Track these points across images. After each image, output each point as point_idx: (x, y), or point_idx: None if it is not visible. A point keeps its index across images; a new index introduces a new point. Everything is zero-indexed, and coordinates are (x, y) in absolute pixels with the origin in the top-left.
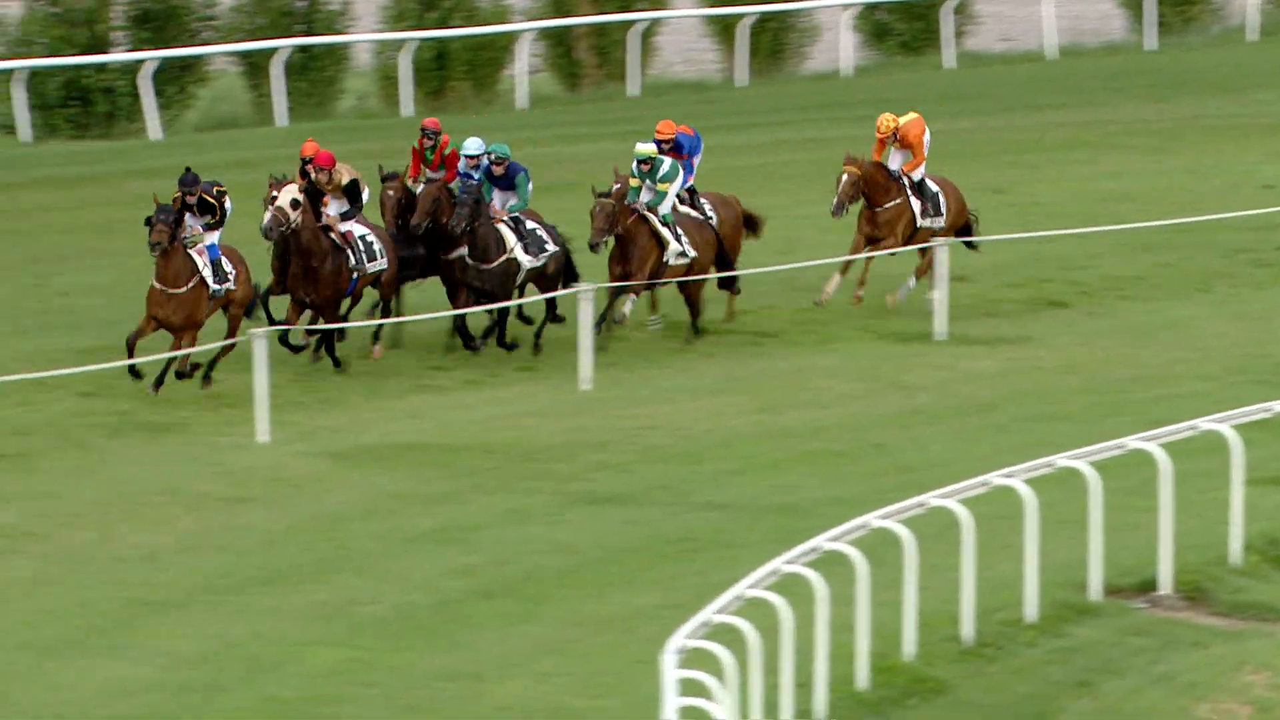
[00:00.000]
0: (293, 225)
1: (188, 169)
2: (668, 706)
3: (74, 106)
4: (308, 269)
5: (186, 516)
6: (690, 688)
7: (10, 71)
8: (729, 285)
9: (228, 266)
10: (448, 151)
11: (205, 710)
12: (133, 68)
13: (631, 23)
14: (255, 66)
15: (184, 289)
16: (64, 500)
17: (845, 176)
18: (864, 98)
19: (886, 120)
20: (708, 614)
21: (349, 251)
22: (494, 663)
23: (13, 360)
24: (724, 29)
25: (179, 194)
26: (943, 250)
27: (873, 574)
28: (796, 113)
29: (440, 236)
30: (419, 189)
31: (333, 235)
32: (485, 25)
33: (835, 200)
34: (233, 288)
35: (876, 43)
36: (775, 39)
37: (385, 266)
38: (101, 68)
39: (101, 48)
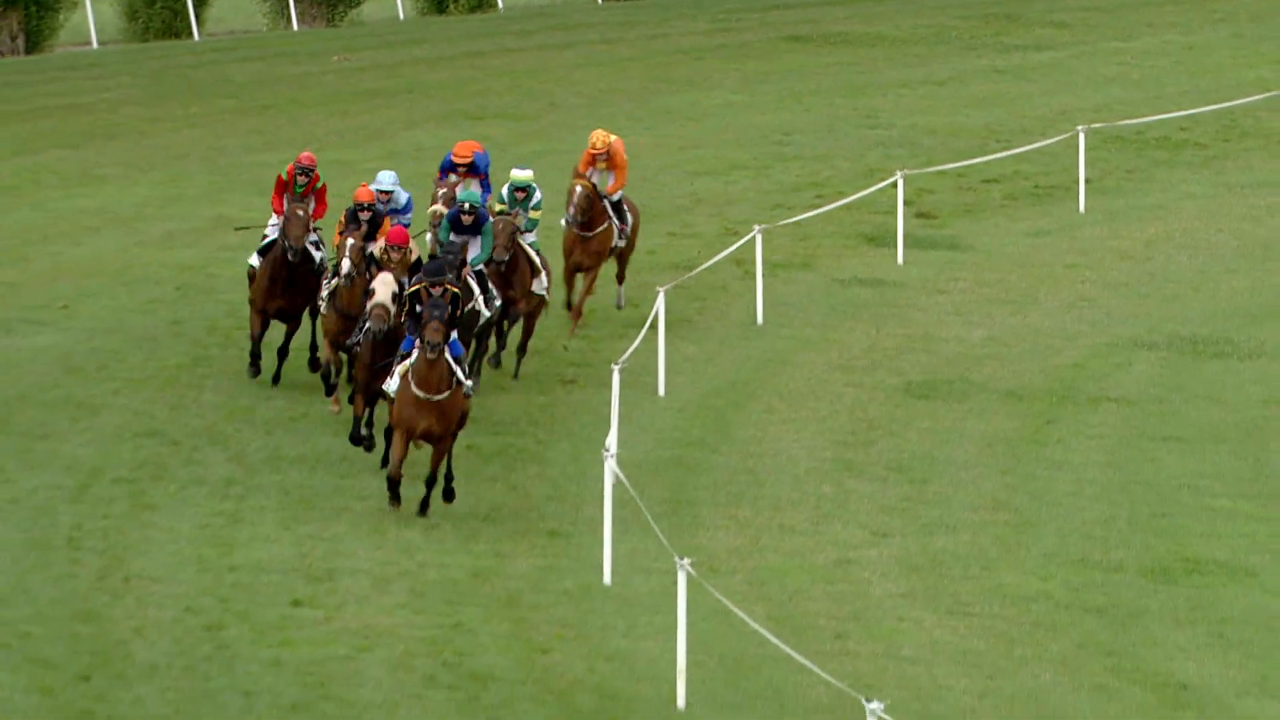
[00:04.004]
0: (393, 322)
1: (433, 256)
2: None
3: None
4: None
5: None
6: None
7: None
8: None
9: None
10: (319, 186)
11: None
12: None
13: None
14: None
15: (446, 394)
16: None
17: (579, 189)
18: None
19: (601, 136)
20: None
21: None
22: None
23: None
24: None
25: (424, 283)
26: None
27: None
28: None
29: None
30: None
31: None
32: None
33: (572, 211)
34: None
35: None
36: None
37: None
38: None
39: None
